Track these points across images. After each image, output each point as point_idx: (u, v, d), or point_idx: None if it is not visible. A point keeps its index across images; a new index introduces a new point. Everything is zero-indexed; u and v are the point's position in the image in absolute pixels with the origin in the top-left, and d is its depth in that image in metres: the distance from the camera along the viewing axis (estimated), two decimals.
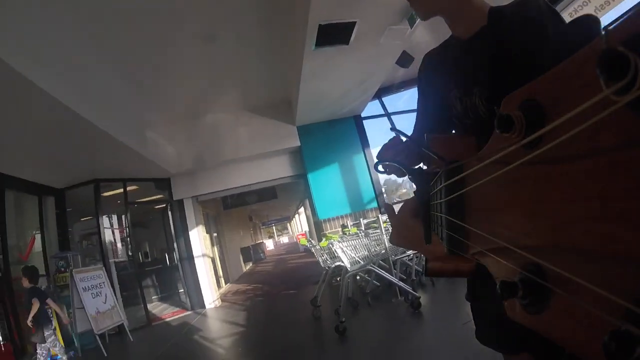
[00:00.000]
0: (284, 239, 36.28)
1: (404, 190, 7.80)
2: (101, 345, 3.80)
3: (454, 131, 0.79)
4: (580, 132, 0.14)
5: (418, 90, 0.87)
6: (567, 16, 4.83)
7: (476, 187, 0.26)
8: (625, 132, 0.12)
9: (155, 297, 7.23)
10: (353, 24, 3.21)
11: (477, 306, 0.80)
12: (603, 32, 0.13)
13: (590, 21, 0.57)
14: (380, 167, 0.58)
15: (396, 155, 0.58)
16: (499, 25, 0.66)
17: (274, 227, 31.04)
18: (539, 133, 0.17)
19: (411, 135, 0.75)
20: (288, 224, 31.12)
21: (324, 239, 3.85)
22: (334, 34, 3.26)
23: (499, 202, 0.23)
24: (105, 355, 3.73)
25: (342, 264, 3.53)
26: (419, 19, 3.30)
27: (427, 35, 5.18)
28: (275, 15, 3.44)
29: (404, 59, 4.47)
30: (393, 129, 0.57)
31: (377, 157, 0.66)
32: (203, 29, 3.41)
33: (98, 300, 4.23)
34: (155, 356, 3.52)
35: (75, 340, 3.97)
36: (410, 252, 4.00)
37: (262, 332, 3.80)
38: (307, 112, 5.23)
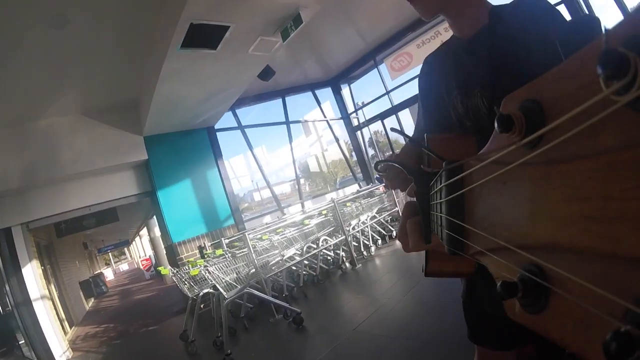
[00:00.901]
0: (124, 266, 32.75)
1: (246, 204, 7.88)
2: None
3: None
4: (580, 132, 0.14)
5: (419, 93, 0.87)
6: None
7: (476, 187, 0.26)
8: (625, 132, 0.12)
9: None
10: (226, 28, 3.07)
11: (474, 306, 0.80)
12: (603, 32, 0.13)
13: (590, 21, 0.57)
14: (380, 168, 0.58)
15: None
16: (500, 25, 0.66)
17: (110, 253, 27.69)
18: (539, 133, 0.17)
19: (412, 136, 0.75)
20: (126, 249, 28.45)
21: (189, 266, 3.47)
22: (204, 36, 3.08)
23: (499, 202, 0.23)
24: None
25: (212, 290, 3.30)
26: (293, 34, 3.30)
27: (287, 52, 5.18)
28: (143, 4, 3.01)
29: (267, 72, 4.44)
30: (393, 129, 0.56)
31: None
32: (54, 9, 2.76)
33: None
34: None
35: None
36: (277, 269, 3.87)
37: None
38: (157, 120, 4.70)
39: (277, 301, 3.29)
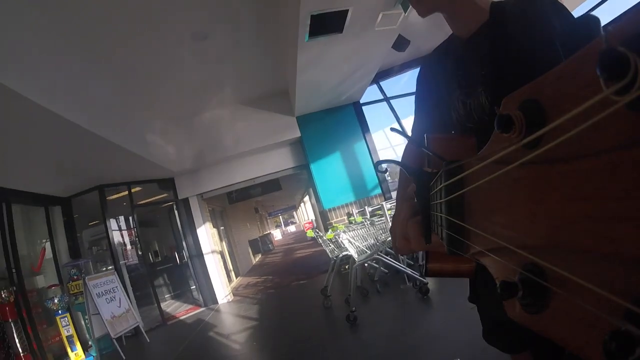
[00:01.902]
0: (291, 228, 36.14)
1: None
2: (119, 349, 3.87)
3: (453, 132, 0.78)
4: (580, 132, 0.14)
5: (416, 95, 0.85)
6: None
7: (476, 187, 0.26)
8: (625, 132, 0.12)
9: (167, 295, 7.28)
10: (346, 11, 3.17)
11: (480, 306, 0.80)
12: (603, 32, 0.13)
13: (590, 21, 0.57)
14: (380, 167, 0.58)
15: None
16: (501, 21, 0.65)
17: (280, 216, 31.07)
18: (539, 133, 0.17)
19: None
20: (294, 213, 31.13)
21: (329, 230, 3.86)
22: (327, 23, 3.22)
23: (499, 202, 0.23)
24: (124, 358, 3.78)
25: (350, 254, 3.56)
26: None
27: (423, 19, 5.22)
28: (266, 9, 3.41)
29: (400, 43, 4.45)
30: (393, 129, 0.56)
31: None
32: (194, 28, 3.40)
33: (112, 304, 4.32)
34: (174, 356, 3.55)
35: (93, 345, 4.04)
36: None
37: (275, 324, 3.87)
38: (305, 102, 5.18)
39: (408, 270, 3.48)
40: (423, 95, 0.83)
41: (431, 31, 5.90)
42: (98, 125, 3.32)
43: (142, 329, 4.54)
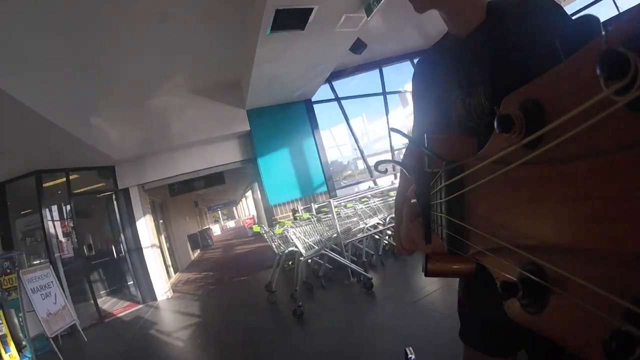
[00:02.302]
0: (231, 224, 35.42)
1: (349, 172, 7.81)
2: (56, 349, 3.58)
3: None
4: (580, 132, 0.14)
5: (413, 95, 0.84)
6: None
7: (476, 187, 0.26)
8: (625, 132, 0.12)
9: (104, 291, 6.84)
10: (310, 9, 3.20)
11: (470, 306, 0.78)
12: (603, 32, 0.13)
13: (590, 21, 0.57)
14: (380, 167, 0.58)
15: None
16: (499, 21, 0.65)
17: (219, 211, 30.50)
18: (538, 133, 0.17)
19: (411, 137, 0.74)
20: (234, 208, 30.73)
21: (277, 226, 3.85)
22: (291, 19, 3.24)
23: (499, 202, 0.23)
24: (62, 359, 3.53)
25: (296, 249, 3.59)
26: (375, 9, 3.35)
27: (381, 24, 5.21)
28: None
29: (358, 46, 4.54)
30: (393, 129, 0.56)
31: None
32: (156, 7, 3.19)
33: (48, 301, 3.98)
34: (113, 356, 3.45)
35: (27, 346, 3.72)
36: (360, 235, 4.13)
37: (219, 320, 3.79)
38: (257, 95, 5.18)
39: (352, 265, 3.57)
40: (422, 94, 0.82)
41: (387, 38, 6.06)
42: (38, 102, 2.97)
43: (79, 328, 4.23)
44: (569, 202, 0.15)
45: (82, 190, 5.65)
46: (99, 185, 5.81)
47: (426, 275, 0.42)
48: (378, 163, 0.57)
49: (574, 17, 0.60)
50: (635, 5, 0.13)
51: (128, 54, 3.79)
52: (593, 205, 0.14)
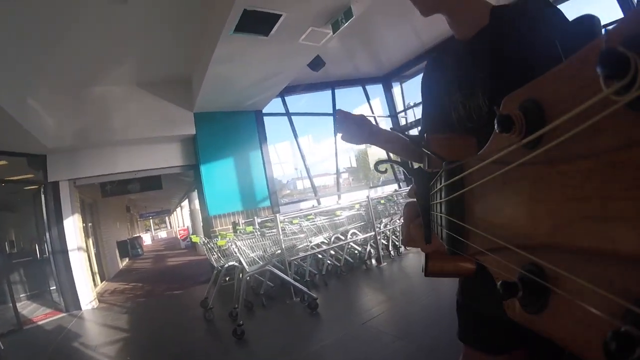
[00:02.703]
0: (162, 234, 33.42)
1: (288, 191, 7.78)
2: None
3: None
4: (580, 132, 0.14)
5: (422, 93, 0.87)
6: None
7: (476, 187, 0.26)
8: (625, 132, 0.12)
9: (23, 295, 6.18)
10: (278, 16, 3.15)
11: (469, 305, 0.79)
12: (603, 32, 0.13)
13: (590, 21, 0.57)
14: (380, 167, 0.58)
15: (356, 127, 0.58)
16: (501, 25, 0.65)
17: (151, 220, 28.99)
18: (538, 133, 0.17)
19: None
20: (167, 218, 29.41)
21: (219, 237, 3.62)
22: (256, 23, 3.17)
23: (499, 202, 0.23)
24: None
25: (236, 264, 3.41)
26: (343, 27, 3.33)
27: (339, 44, 5.21)
28: None
29: (317, 63, 4.52)
30: (393, 129, 0.57)
31: (340, 132, 0.80)
32: None
33: None
34: None
35: None
36: (302, 253, 3.99)
37: (150, 337, 3.46)
38: (208, 98, 4.91)
39: (296, 284, 3.39)
40: (426, 94, 0.85)
41: (342, 61, 6.11)
42: None
43: None
44: (569, 202, 0.15)
45: (7, 178, 5.12)
46: (28, 175, 5.15)
47: (426, 275, 0.42)
48: (378, 163, 0.57)
49: (574, 17, 0.60)
50: (635, 6, 0.13)
51: (76, 33, 3.48)
52: (593, 205, 0.14)
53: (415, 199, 0.43)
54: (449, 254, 0.33)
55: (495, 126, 0.20)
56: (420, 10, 0.72)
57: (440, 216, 0.35)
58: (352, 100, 7.91)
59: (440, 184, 0.35)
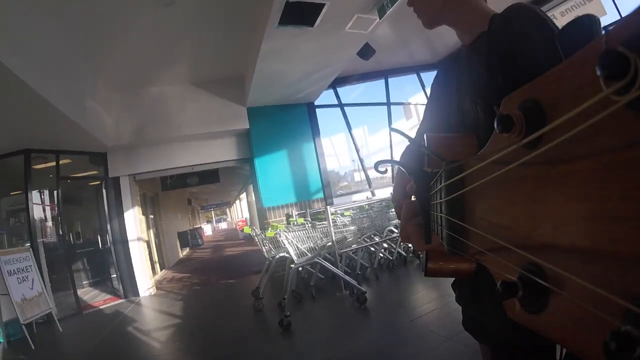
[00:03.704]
0: (223, 225, 34.93)
1: (345, 183, 7.68)
2: (28, 336, 3.42)
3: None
4: (580, 132, 0.14)
5: (429, 97, 0.89)
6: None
7: (476, 187, 0.26)
8: (625, 132, 0.12)
9: (85, 282, 6.59)
10: (322, 5, 3.10)
11: (459, 302, 0.85)
12: (603, 32, 0.13)
13: (590, 21, 0.57)
14: (380, 168, 0.58)
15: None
16: (497, 31, 0.66)
17: (212, 211, 30.10)
18: (538, 133, 0.17)
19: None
20: (227, 210, 30.31)
21: (269, 228, 3.66)
22: (300, 14, 3.14)
23: (499, 202, 0.23)
24: (33, 347, 3.37)
25: (287, 255, 3.42)
26: (389, 11, 3.30)
27: (391, 32, 5.12)
28: None
29: (366, 51, 4.44)
30: (393, 129, 0.57)
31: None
32: None
33: (24, 285, 3.81)
34: (87, 350, 3.25)
35: (0, 330, 3.65)
36: (355, 245, 3.98)
37: (201, 324, 3.58)
38: (259, 93, 5.01)
39: (346, 277, 3.37)
40: (430, 99, 0.87)
41: (395, 48, 5.98)
42: (33, 77, 2.89)
43: (55, 317, 4.03)
44: (569, 202, 0.15)
45: (72, 175, 5.47)
46: (90, 172, 5.57)
47: (426, 274, 0.42)
48: (378, 163, 0.57)
49: (574, 18, 0.60)
50: (635, 6, 0.13)
51: (130, 37, 3.69)
52: (593, 205, 0.14)
53: (402, 199, 0.43)
54: (449, 254, 0.33)
55: (495, 126, 0.20)
56: (423, 23, 0.75)
57: (440, 216, 0.35)
58: (406, 89, 7.68)
59: (440, 184, 0.35)
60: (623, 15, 4.19)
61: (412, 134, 0.89)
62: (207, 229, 26.74)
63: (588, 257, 0.14)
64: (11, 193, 5.11)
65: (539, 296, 0.17)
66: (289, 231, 3.38)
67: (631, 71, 0.11)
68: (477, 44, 0.69)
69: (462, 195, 0.30)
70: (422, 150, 0.43)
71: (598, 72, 0.12)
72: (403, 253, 4.53)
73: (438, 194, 0.36)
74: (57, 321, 4.03)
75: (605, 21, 4.27)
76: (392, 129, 0.58)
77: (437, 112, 0.82)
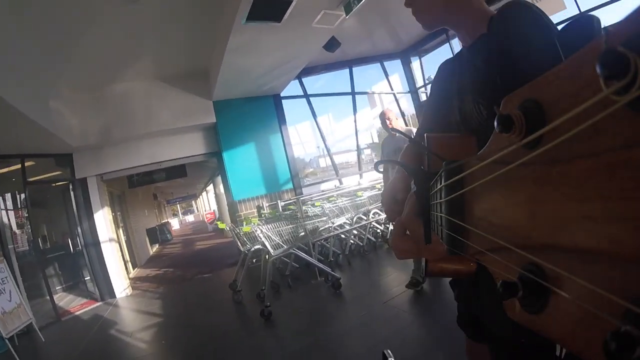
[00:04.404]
0: (190, 218, 34.74)
1: (311, 170, 7.75)
2: (12, 350, 3.34)
3: None
4: (580, 132, 0.14)
5: (428, 98, 0.91)
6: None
7: (476, 187, 0.26)
8: (625, 132, 0.12)
9: (59, 287, 6.38)
10: (289, 2, 3.14)
11: (460, 299, 0.87)
12: (603, 32, 0.13)
13: (590, 21, 0.57)
14: (380, 168, 0.58)
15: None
16: (497, 31, 0.66)
17: (178, 205, 29.97)
18: (538, 133, 0.17)
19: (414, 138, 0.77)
20: (194, 202, 30.31)
21: (244, 223, 3.76)
22: (268, 10, 3.17)
23: (499, 202, 0.23)
24: None
25: (262, 247, 3.51)
26: (355, 8, 3.35)
27: (355, 25, 5.15)
28: None
29: (332, 44, 4.52)
30: (393, 129, 0.57)
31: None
32: None
33: (3, 298, 3.65)
34: (74, 357, 3.25)
35: None
36: (325, 234, 4.09)
37: (183, 320, 3.62)
38: (225, 87, 5.01)
39: (320, 265, 3.48)
40: (431, 98, 0.88)
41: (359, 39, 6.04)
42: None
43: (36, 327, 3.94)
44: (569, 202, 0.15)
45: (37, 177, 5.27)
46: (56, 173, 5.42)
47: (426, 275, 0.42)
48: (377, 163, 0.57)
49: (574, 17, 0.60)
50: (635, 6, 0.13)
51: (92, 35, 3.61)
52: (593, 205, 0.14)
53: (393, 205, 0.43)
54: (449, 254, 0.33)
55: (495, 126, 0.20)
56: (423, 25, 0.75)
57: (441, 216, 0.35)
58: (370, 78, 7.73)
59: (440, 184, 0.35)
60: (582, 10, 4.22)
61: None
62: (175, 223, 26.40)
63: (588, 257, 0.14)
64: None
65: (539, 296, 0.17)
66: (264, 224, 3.46)
67: (631, 71, 0.11)
68: (477, 45, 0.69)
69: (462, 195, 0.30)
70: (422, 150, 0.43)
71: (598, 72, 0.12)
72: (372, 239, 4.68)
73: (438, 193, 0.36)
74: (38, 331, 3.94)
75: (562, 16, 4.26)
76: (392, 129, 0.58)
77: (437, 112, 0.82)
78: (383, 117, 2.96)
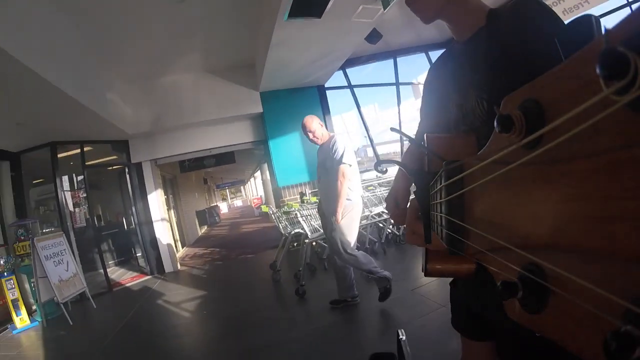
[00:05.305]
0: (238, 202, 35.74)
1: (359, 159, 7.78)
2: (66, 314, 3.74)
3: None
4: (580, 132, 0.14)
5: (422, 95, 0.89)
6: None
7: (476, 187, 0.26)
8: (625, 132, 0.12)
9: (112, 261, 7.08)
10: None
11: (457, 297, 0.87)
12: (603, 32, 0.13)
13: (590, 21, 0.57)
14: (379, 168, 0.58)
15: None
16: (496, 26, 0.66)
17: (227, 190, 30.90)
18: (538, 133, 0.17)
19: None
20: (242, 187, 31.05)
21: (285, 208, 3.96)
22: (308, 7, 3.27)
23: (499, 202, 0.23)
24: (71, 323, 3.68)
25: (302, 231, 3.70)
26: (393, 2, 3.37)
27: (397, 15, 5.18)
28: None
29: (373, 36, 4.60)
30: (393, 129, 0.57)
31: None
32: None
33: (60, 268, 4.14)
34: (122, 322, 3.51)
35: (38, 310, 3.97)
36: (364, 221, 4.20)
37: (224, 295, 3.92)
38: (271, 79, 5.24)
39: None
40: (427, 96, 0.87)
41: (402, 29, 6.04)
42: (58, 77, 3.11)
43: (89, 295, 4.36)
44: (569, 202, 0.15)
45: (96, 161, 5.90)
46: (113, 157, 5.98)
47: (426, 275, 0.42)
48: (378, 163, 0.57)
49: (574, 18, 0.60)
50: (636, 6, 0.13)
51: (144, 30, 3.94)
52: (593, 205, 0.14)
53: (395, 209, 0.43)
54: (449, 253, 0.33)
55: (495, 126, 0.20)
56: (421, 19, 0.75)
57: (441, 216, 0.35)
58: (415, 68, 7.73)
59: (440, 184, 0.35)
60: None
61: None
62: (224, 207, 27.29)
63: (588, 257, 0.14)
64: (35, 182, 5.49)
65: (539, 296, 0.17)
66: (304, 209, 3.66)
67: (631, 71, 0.11)
68: (476, 39, 0.69)
69: (462, 195, 0.30)
70: (422, 150, 0.43)
71: (598, 72, 0.12)
72: None
73: (438, 194, 0.36)
74: (90, 298, 4.32)
75: (608, 7, 4.29)
76: (392, 129, 0.58)
77: (435, 111, 0.81)
78: (304, 130, 2.91)
